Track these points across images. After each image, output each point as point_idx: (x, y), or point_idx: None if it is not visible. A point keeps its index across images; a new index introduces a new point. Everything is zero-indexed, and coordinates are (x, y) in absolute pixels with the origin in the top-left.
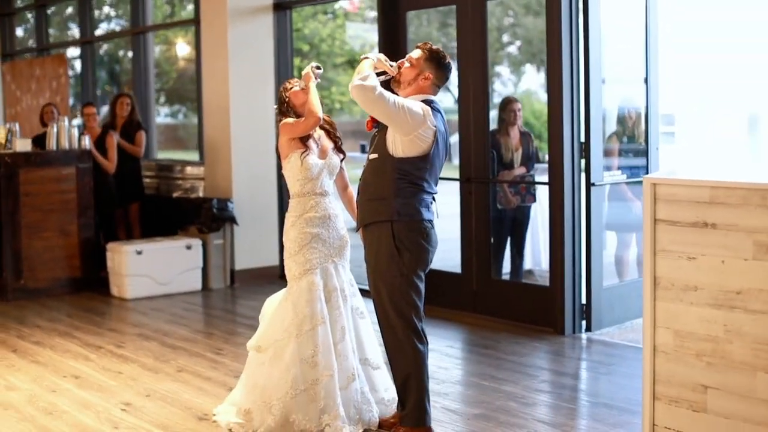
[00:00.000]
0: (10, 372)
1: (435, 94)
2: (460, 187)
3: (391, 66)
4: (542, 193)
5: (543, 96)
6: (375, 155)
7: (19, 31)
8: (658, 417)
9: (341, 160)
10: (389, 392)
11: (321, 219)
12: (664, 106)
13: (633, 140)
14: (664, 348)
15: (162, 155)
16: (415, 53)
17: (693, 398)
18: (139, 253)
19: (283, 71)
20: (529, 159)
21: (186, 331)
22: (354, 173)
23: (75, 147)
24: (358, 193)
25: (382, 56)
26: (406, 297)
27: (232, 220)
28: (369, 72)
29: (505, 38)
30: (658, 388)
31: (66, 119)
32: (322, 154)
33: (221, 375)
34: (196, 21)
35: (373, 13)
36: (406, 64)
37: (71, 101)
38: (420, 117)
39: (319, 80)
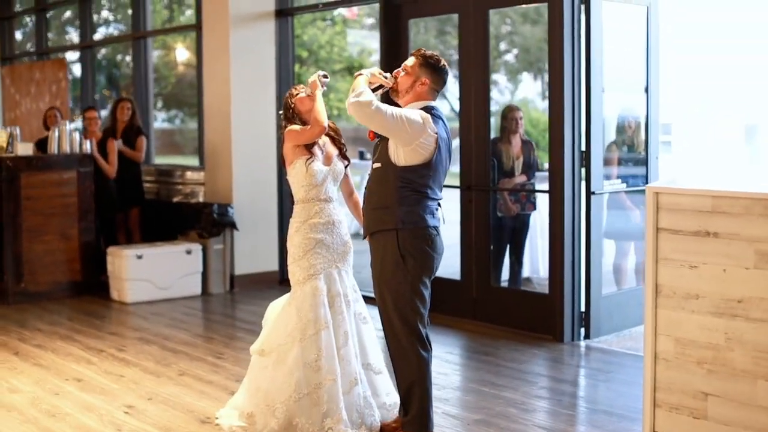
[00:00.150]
0: (12, 375)
1: (434, 99)
2: (461, 195)
3: (386, 78)
4: (542, 201)
5: (540, 104)
6: (378, 164)
7: (18, 35)
8: (659, 424)
9: (346, 167)
10: (391, 397)
11: (325, 225)
12: (661, 115)
13: (632, 149)
14: (665, 355)
15: (158, 160)
16: (410, 61)
17: (693, 405)
18: (140, 257)
19: (284, 77)
20: (530, 167)
21: (186, 335)
22: (353, 180)
23: (76, 151)
24: (363, 202)
25: (376, 70)
26: (410, 304)
27: (233, 226)
28: (363, 88)
29: (503, 46)
30: (659, 395)
31: (68, 123)
32: (327, 160)
33: (222, 379)
34: (197, 26)
35: (371, 20)
36: (402, 73)
37: (69, 105)
38: (419, 125)
39: (325, 88)
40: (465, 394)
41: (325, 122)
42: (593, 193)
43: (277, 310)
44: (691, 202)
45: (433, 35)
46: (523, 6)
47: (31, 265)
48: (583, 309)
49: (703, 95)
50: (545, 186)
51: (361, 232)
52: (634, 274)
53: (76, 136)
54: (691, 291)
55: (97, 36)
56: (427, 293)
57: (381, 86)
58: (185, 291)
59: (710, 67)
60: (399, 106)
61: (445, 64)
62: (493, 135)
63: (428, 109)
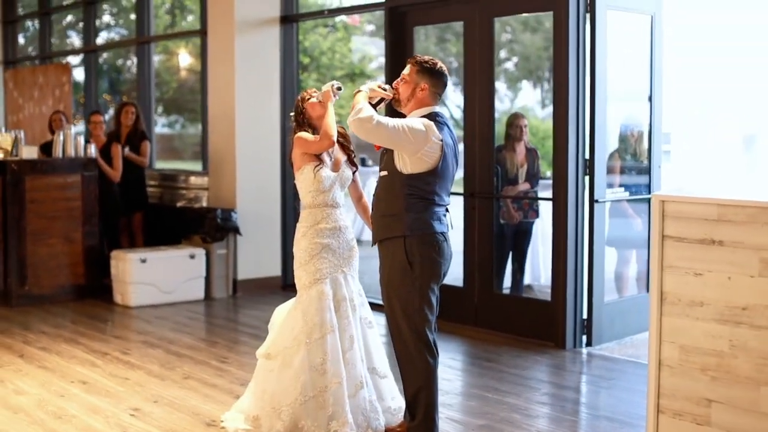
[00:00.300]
0: (18, 377)
1: (436, 103)
2: (464, 202)
3: (385, 90)
4: (545, 209)
5: (540, 112)
6: (385, 172)
7: (20, 39)
8: (662, 430)
9: (354, 173)
10: (396, 401)
11: (331, 230)
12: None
13: (635, 158)
14: (669, 362)
15: (157, 165)
16: (406, 69)
17: (697, 411)
18: (143, 261)
19: (289, 83)
20: (534, 175)
21: (190, 339)
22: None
23: (81, 155)
24: (371, 208)
25: (374, 84)
26: (418, 311)
27: (236, 231)
28: (363, 104)
29: (503, 54)
30: (663, 401)
31: (72, 127)
32: (335, 166)
33: (227, 383)
34: (202, 31)
35: (371, 27)
36: (402, 83)
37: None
38: (422, 134)
39: (337, 97)
40: (468, 399)
41: (335, 136)
42: (596, 201)
43: (283, 314)
44: (697, 210)
45: (433, 42)
46: (524, 15)
47: (35, 268)
48: (585, 316)
49: (702, 104)
50: (548, 194)
51: (370, 237)
52: (635, 282)
53: (81, 140)
54: (695, 298)
55: (99, 40)
56: (434, 299)
57: (382, 99)
58: (188, 295)
59: (709, 76)
60: (404, 116)
61: (442, 66)
62: (496, 142)
63: (433, 116)
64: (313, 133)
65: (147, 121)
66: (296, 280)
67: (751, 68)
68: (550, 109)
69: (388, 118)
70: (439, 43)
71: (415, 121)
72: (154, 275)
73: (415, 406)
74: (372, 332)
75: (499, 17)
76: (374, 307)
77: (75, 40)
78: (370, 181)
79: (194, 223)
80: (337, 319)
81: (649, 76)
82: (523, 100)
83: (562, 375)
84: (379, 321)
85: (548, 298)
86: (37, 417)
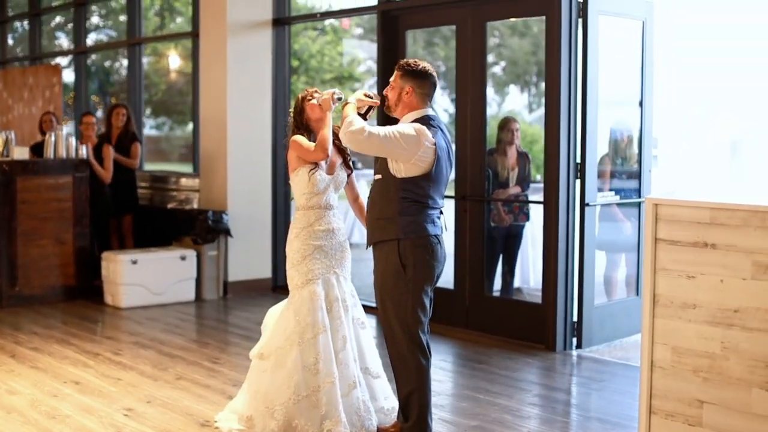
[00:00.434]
0: (10, 377)
1: (426, 105)
2: (455, 205)
3: (371, 97)
4: (535, 212)
5: (527, 116)
6: (379, 176)
7: (9, 40)
8: (654, 431)
9: (348, 176)
10: (389, 401)
11: (324, 232)
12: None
13: (625, 162)
14: (661, 363)
15: (145, 167)
16: (393, 75)
17: (689, 412)
18: (134, 262)
19: (281, 86)
20: (525, 179)
21: (182, 340)
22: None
23: (72, 156)
24: (366, 211)
25: (361, 93)
26: (411, 313)
27: (227, 232)
28: (352, 116)
29: (490, 58)
30: (655, 402)
31: (64, 128)
32: (330, 169)
33: (220, 383)
34: (194, 34)
35: (359, 30)
36: (390, 89)
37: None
38: (414, 139)
39: (336, 105)
40: (460, 400)
41: (329, 150)
42: (587, 204)
43: (275, 315)
44: (690, 213)
45: (421, 46)
46: (512, 19)
47: (26, 269)
48: (575, 319)
49: (689, 108)
50: (538, 197)
51: (360, 240)
52: (624, 285)
53: (72, 141)
54: (688, 300)
55: (88, 42)
56: (428, 301)
57: (371, 107)
58: (179, 297)
59: (695, 79)
60: (397, 121)
61: (426, 67)
62: (488, 146)
63: (426, 119)
64: (309, 136)
65: (137, 122)
66: (288, 281)
67: (737, 71)
68: (537, 113)
69: (378, 127)
70: (427, 47)
71: (405, 126)
72: (145, 276)
73: (409, 408)
74: (365, 333)
75: (492, 21)
76: (366, 309)
77: (63, 41)
78: (359, 183)
79: (185, 225)
80: (330, 320)
81: (639, 81)
82: (511, 105)
83: (553, 377)
84: (372, 323)
85: (538, 300)
86: (31, 417)
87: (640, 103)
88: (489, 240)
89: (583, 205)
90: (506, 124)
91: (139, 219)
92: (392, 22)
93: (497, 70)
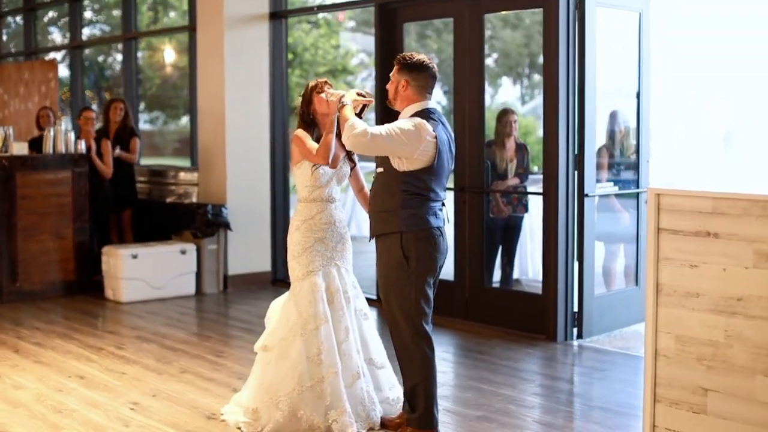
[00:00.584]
0: (14, 372)
1: (425, 98)
2: (455, 197)
3: (365, 96)
4: (533, 204)
5: (520, 108)
6: (381, 169)
7: (3, 36)
8: (659, 418)
9: (352, 169)
10: (394, 391)
11: (326, 224)
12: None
13: (623, 153)
14: (665, 352)
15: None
16: (393, 70)
17: (693, 400)
18: (135, 257)
19: (278, 79)
20: (523, 170)
21: (184, 333)
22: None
23: (71, 151)
24: (368, 203)
25: (353, 93)
26: (415, 304)
27: (227, 226)
28: (353, 119)
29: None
30: (659, 390)
31: (63, 123)
32: (334, 162)
33: (224, 376)
34: (191, 27)
35: (352, 23)
36: (390, 84)
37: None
38: (415, 133)
39: (338, 110)
40: (464, 391)
41: (329, 159)
42: (587, 195)
43: (278, 307)
44: (692, 203)
45: (414, 39)
46: (503, 12)
47: (26, 265)
48: (575, 309)
49: (684, 99)
50: (536, 188)
51: (359, 232)
52: (623, 275)
53: (72, 136)
54: (691, 289)
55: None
56: (431, 293)
57: (365, 106)
58: (179, 291)
59: (691, 70)
60: (398, 114)
61: (422, 59)
62: (486, 138)
63: (426, 113)
64: (313, 129)
65: (135, 117)
66: (290, 272)
67: (731, 60)
68: (530, 105)
69: (378, 126)
70: (419, 40)
71: (404, 122)
72: (145, 271)
73: (415, 399)
74: (368, 324)
75: (490, 13)
76: (371, 302)
77: (56, 36)
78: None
79: (185, 219)
80: (332, 311)
81: (637, 73)
82: (504, 96)
83: (555, 367)
84: (373, 314)
85: (537, 291)
86: (38, 411)
87: (638, 95)
88: (488, 231)
89: (582, 196)
90: (504, 116)
91: (138, 213)
92: (390, 14)
93: (489, 62)
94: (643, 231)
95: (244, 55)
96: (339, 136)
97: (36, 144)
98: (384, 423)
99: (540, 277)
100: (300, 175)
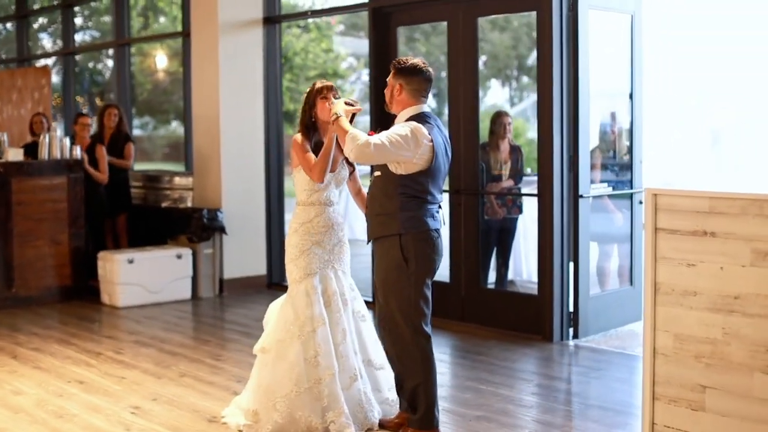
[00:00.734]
0: (14, 378)
1: (420, 101)
2: (450, 199)
3: (353, 105)
4: (528, 205)
5: (509, 110)
6: (378, 173)
7: None
8: (658, 416)
9: (350, 173)
10: (393, 392)
11: (324, 228)
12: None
13: (616, 154)
14: (663, 350)
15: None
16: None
17: (692, 398)
18: (131, 261)
19: (272, 84)
20: (518, 172)
21: (181, 338)
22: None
23: (67, 157)
24: (366, 206)
25: (342, 104)
26: (414, 306)
27: (222, 230)
28: (352, 130)
29: None
30: (658, 388)
31: (57, 128)
32: (333, 165)
33: (224, 380)
34: (185, 33)
35: (341, 27)
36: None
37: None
38: (412, 139)
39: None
40: (463, 392)
41: (324, 177)
42: (581, 196)
43: (276, 309)
44: (689, 203)
45: (402, 42)
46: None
47: (22, 270)
48: (571, 309)
49: (675, 100)
50: (531, 190)
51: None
52: (617, 275)
53: (67, 141)
54: (689, 288)
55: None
56: (429, 293)
57: (353, 115)
58: (175, 295)
59: (683, 71)
60: (394, 117)
61: (416, 63)
62: (480, 140)
63: (421, 117)
64: (312, 134)
65: (129, 122)
66: (287, 275)
67: (724, 61)
68: (519, 107)
69: (377, 135)
70: (408, 43)
71: (401, 128)
72: (142, 275)
73: (416, 400)
74: (366, 325)
75: (483, 17)
76: (368, 305)
77: (46, 42)
78: None
79: (180, 224)
80: (329, 313)
81: (629, 74)
82: (493, 99)
83: (552, 367)
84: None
85: (531, 292)
86: (39, 416)
87: (631, 96)
88: (483, 233)
89: (576, 196)
90: (498, 118)
91: (133, 218)
92: (384, 18)
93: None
94: (637, 231)
95: (238, 61)
96: (337, 139)
97: (29, 150)
98: (383, 424)
99: (534, 278)
100: (298, 179)
